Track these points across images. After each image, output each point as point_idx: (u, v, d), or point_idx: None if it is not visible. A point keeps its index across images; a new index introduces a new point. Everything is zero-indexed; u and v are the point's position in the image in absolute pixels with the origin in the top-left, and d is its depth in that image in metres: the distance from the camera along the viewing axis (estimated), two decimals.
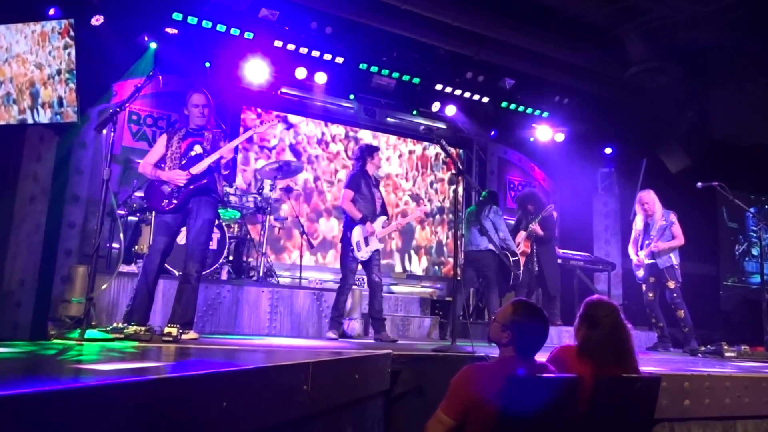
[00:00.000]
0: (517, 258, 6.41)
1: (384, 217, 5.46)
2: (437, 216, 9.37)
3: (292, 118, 8.47)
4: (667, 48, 7.73)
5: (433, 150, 9.50)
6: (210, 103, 4.39)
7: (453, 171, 9.21)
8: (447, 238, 9.35)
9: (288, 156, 8.29)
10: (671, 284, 6.22)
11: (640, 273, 6.49)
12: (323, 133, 8.78)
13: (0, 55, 4.20)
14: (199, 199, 4.22)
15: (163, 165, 4.25)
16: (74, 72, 4.04)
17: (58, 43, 4.08)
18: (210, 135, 4.32)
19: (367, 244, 5.26)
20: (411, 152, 9.34)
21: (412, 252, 9.16)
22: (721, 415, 3.45)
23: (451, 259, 9.31)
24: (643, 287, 6.51)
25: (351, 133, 9.01)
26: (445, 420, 2.32)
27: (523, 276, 7.03)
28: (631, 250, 6.65)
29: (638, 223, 6.58)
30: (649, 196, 6.47)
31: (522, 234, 6.92)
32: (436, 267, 9.22)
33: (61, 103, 4.03)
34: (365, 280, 5.76)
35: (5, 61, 4.20)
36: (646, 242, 6.40)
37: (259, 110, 8.29)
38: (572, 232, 9.50)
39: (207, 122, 4.38)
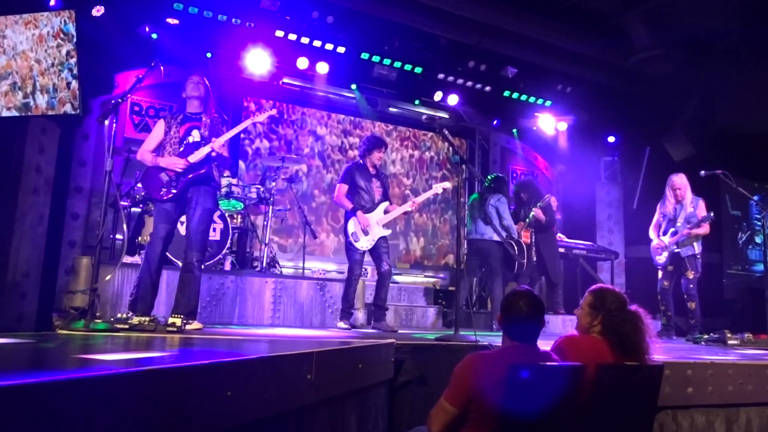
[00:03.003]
0: (521, 247, 6.37)
1: (386, 203, 5.42)
2: (431, 205, 9.60)
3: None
4: (670, 35, 7.67)
5: (428, 154, 9.81)
6: (206, 83, 4.36)
7: (457, 161, 9.26)
8: (440, 222, 9.79)
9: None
10: (690, 274, 6.14)
11: (662, 258, 6.34)
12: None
13: (8, 53, 4.94)
14: (197, 188, 4.20)
15: (161, 151, 4.24)
16: (65, 64, 4.74)
17: (52, 43, 4.87)
18: (208, 120, 4.30)
19: (366, 234, 5.25)
20: (411, 155, 9.69)
21: (412, 234, 9.47)
22: (724, 402, 3.45)
23: (444, 240, 9.69)
24: (660, 274, 6.40)
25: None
26: (449, 408, 2.33)
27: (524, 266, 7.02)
28: (652, 233, 6.49)
29: (668, 207, 6.39)
30: (682, 181, 6.28)
31: (521, 224, 6.88)
32: (431, 246, 9.61)
33: (55, 89, 4.80)
34: (368, 270, 5.77)
35: (12, 57, 4.98)
36: (672, 229, 6.27)
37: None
38: (575, 221, 9.49)
39: (206, 107, 4.35)
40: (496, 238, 6.21)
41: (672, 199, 6.32)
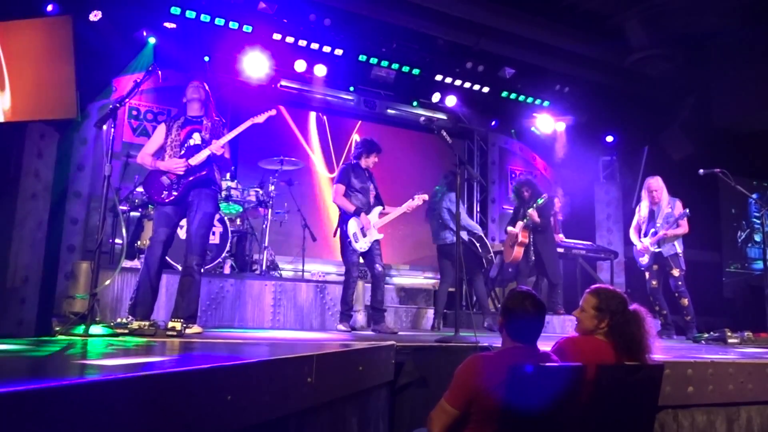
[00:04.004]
0: (483, 242, 6.26)
1: (380, 208, 5.42)
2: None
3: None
4: (667, 35, 7.69)
5: (427, 155, 9.68)
6: (206, 87, 4.38)
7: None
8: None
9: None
10: (676, 272, 6.27)
11: (644, 260, 6.51)
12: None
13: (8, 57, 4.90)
14: (199, 191, 4.21)
15: (162, 154, 4.25)
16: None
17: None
18: (209, 123, 4.31)
19: (364, 235, 5.25)
20: (409, 157, 9.53)
21: (411, 235, 9.29)
22: (724, 401, 3.45)
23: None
24: (647, 275, 6.53)
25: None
26: (449, 410, 2.33)
27: (523, 266, 7.01)
28: (633, 236, 6.65)
29: (642, 209, 6.58)
30: (658, 183, 6.45)
31: (519, 224, 6.87)
32: (431, 247, 9.35)
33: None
34: (367, 271, 5.75)
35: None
36: (652, 230, 6.41)
37: None
38: (574, 221, 9.49)
39: (206, 110, 4.36)
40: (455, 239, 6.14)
41: (647, 201, 6.51)
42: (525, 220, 6.81)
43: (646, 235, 6.47)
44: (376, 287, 5.30)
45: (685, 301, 6.23)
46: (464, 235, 6.08)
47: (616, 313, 2.57)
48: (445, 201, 6.13)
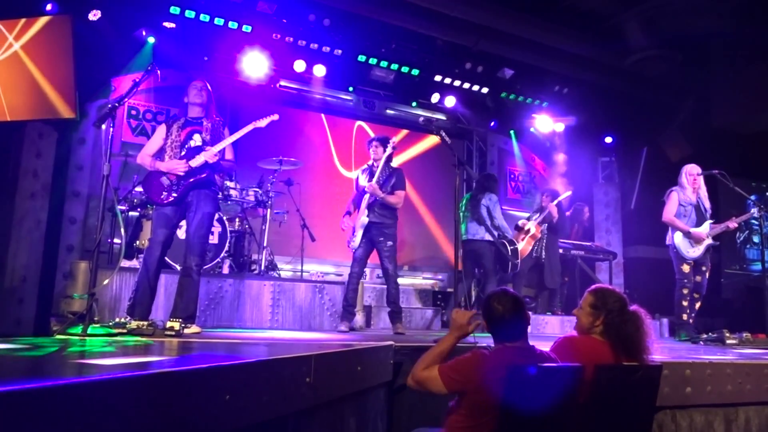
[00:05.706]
0: (514, 247, 6.36)
1: None
2: (428, 207, 9.56)
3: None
4: (666, 36, 7.69)
5: (425, 156, 9.72)
6: (208, 88, 4.38)
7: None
8: (438, 224, 9.66)
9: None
10: (707, 270, 6.04)
11: (698, 251, 5.92)
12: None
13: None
14: (198, 192, 4.21)
15: (162, 155, 4.24)
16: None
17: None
18: (209, 124, 4.30)
19: (354, 234, 5.31)
20: (408, 158, 9.60)
21: (410, 236, 9.35)
22: (722, 402, 3.46)
23: (442, 242, 9.57)
24: (686, 268, 5.94)
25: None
26: (439, 385, 2.38)
27: (523, 265, 7.02)
28: (682, 224, 5.93)
29: (689, 196, 6.00)
30: (699, 170, 6.06)
31: (533, 221, 6.95)
32: (430, 247, 9.55)
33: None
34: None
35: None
36: (709, 221, 5.98)
37: None
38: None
39: (207, 112, 4.36)
40: (488, 237, 6.24)
41: (691, 187, 6.02)
42: (545, 213, 6.90)
43: (699, 225, 5.93)
44: (386, 287, 5.37)
45: (699, 304, 6.06)
46: (486, 236, 6.27)
47: (612, 312, 2.56)
48: (485, 199, 6.28)
